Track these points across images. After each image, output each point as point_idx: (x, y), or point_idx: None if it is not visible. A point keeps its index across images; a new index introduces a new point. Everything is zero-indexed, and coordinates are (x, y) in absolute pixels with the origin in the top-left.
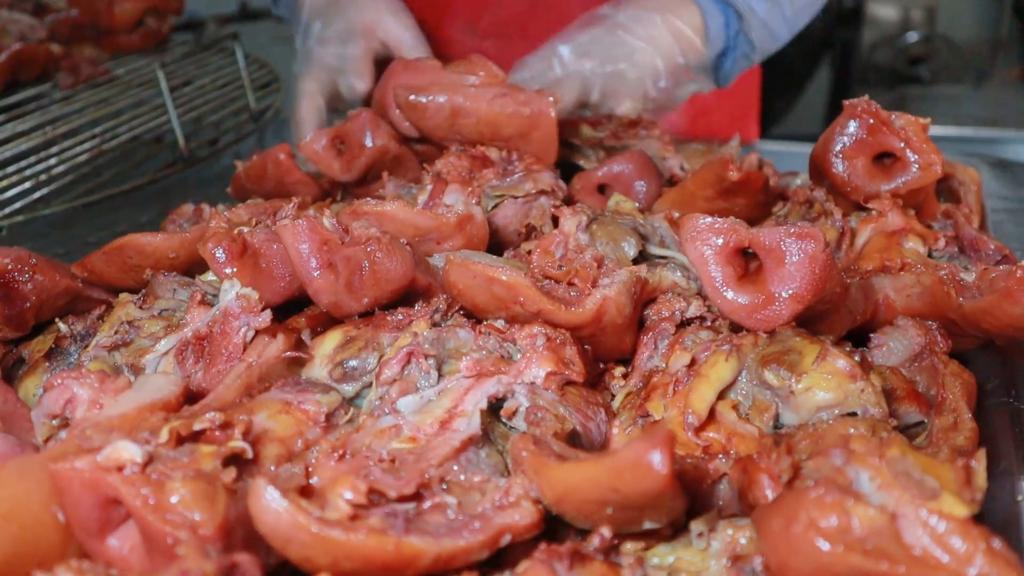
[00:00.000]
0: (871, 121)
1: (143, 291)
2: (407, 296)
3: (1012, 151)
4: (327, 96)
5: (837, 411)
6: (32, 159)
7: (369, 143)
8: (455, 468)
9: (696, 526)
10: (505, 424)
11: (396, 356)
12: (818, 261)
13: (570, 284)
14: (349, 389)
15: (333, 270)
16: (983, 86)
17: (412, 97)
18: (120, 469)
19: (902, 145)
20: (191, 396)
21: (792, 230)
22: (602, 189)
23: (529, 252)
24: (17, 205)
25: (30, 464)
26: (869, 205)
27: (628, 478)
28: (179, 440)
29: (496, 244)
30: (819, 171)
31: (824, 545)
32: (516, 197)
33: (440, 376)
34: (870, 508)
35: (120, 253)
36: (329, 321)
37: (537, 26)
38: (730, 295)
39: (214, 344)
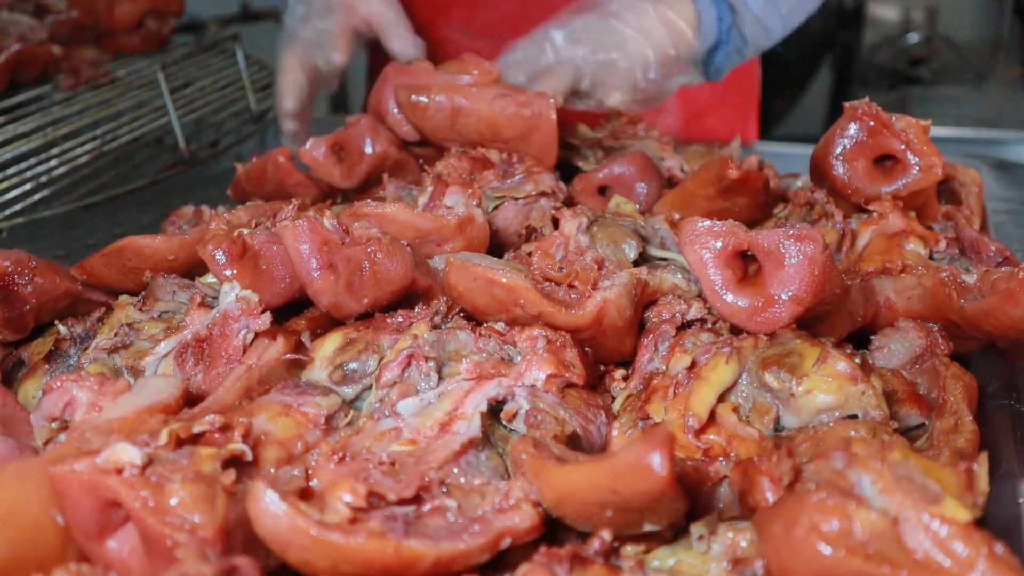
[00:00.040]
0: (871, 123)
1: (143, 293)
2: (407, 298)
3: (1013, 152)
4: (307, 71)
5: (838, 413)
6: (32, 161)
7: (369, 150)
8: (455, 471)
9: (696, 529)
10: (505, 427)
11: (396, 358)
12: (817, 263)
13: (570, 286)
14: (349, 391)
15: (333, 271)
16: (984, 87)
17: (413, 97)
18: (119, 472)
19: (903, 147)
20: (191, 398)
21: (791, 232)
22: (602, 191)
23: (529, 254)
24: (17, 207)
25: (29, 467)
26: (870, 207)
27: (628, 480)
28: (178, 442)
29: (496, 246)
30: (820, 173)
31: (825, 549)
32: (516, 199)
33: (440, 378)
34: (872, 512)
35: (119, 255)
36: (329, 323)
37: (529, 26)
38: (730, 298)
39: (214, 346)
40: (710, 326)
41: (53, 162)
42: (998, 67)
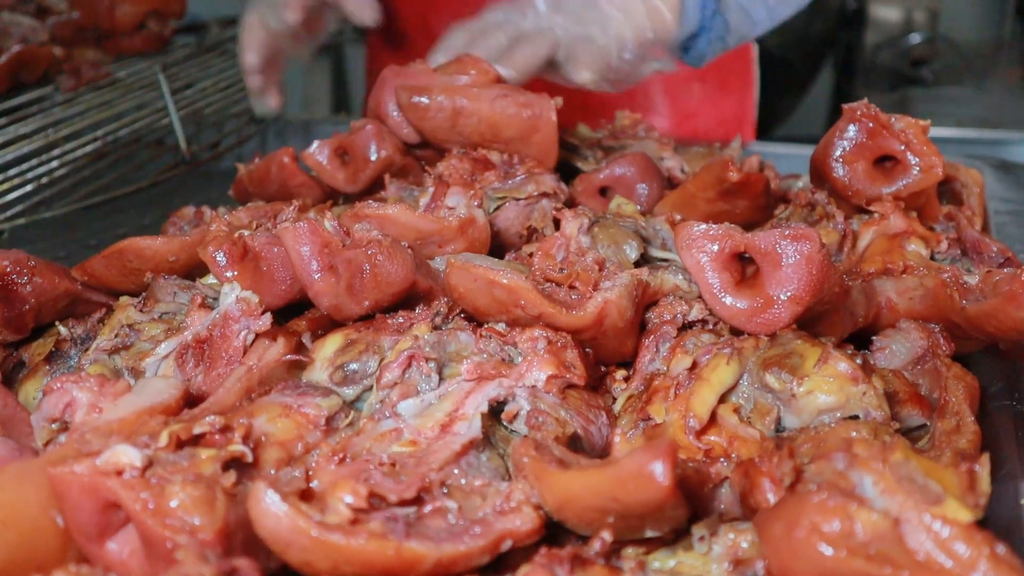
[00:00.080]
0: (870, 124)
1: (143, 294)
2: (408, 299)
3: (1015, 153)
4: (268, 30)
5: (839, 414)
6: (33, 162)
7: (374, 155)
8: (456, 472)
9: (698, 530)
10: (506, 427)
11: (397, 359)
12: (815, 262)
13: (571, 287)
14: (350, 392)
15: (334, 273)
16: (986, 88)
17: (414, 99)
18: (119, 473)
19: (902, 148)
20: (191, 400)
21: (787, 232)
22: (603, 191)
23: (531, 255)
24: (18, 208)
25: (29, 468)
26: (871, 208)
27: (630, 488)
28: (179, 444)
29: (497, 247)
30: (820, 175)
31: (827, 550)
32: (518, 199)
33: (441, 379)
34: (873, 513)
35: (120, 256)
36: (330, 324)
37: None
38: (728, 300)
39: (214, 347)
40: (711, 327)
41: (54, 163)
42: (1000, 68)
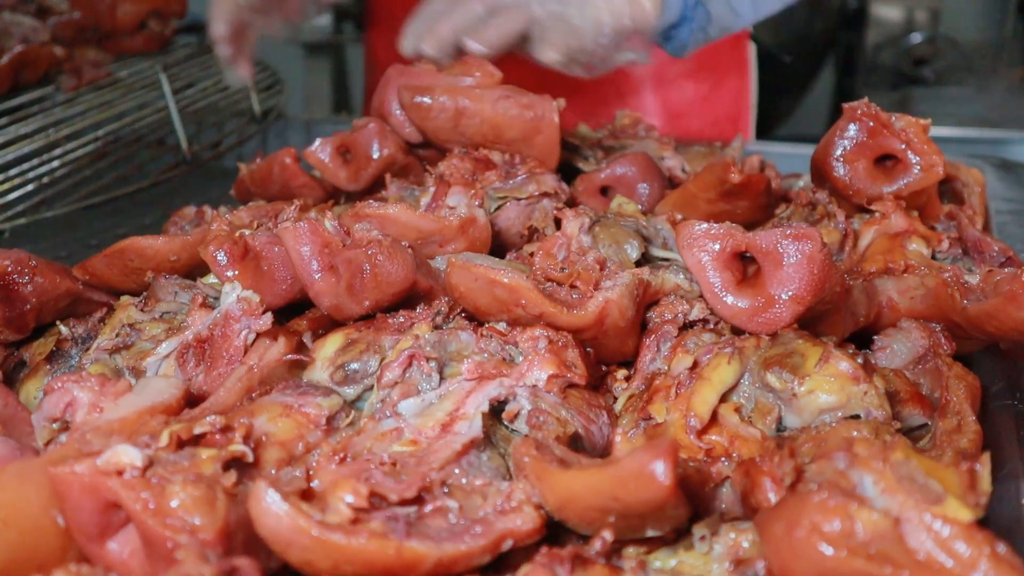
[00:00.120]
0: (871, 124)
1: (144, 294)
2: (409, 299)
3: (1016, 152)
4: (236, 2)
5: (840, 414)
6: (34, 161)
7: (376, 154)
8: (457, 471)
9: (698, 530)
10: (507, 427)
11: (397, 359)
12: (816, 261)
13: (572, 287)
14: (350, 392)
15: (334, 273)
16: (987, 87)
17: (417, 98)
18: (120, 473)
19: (903, 147)
20: (192, 399)
21: (788, 231)
22: (605, 191)
23: (532, 254)
24: (19, 207)
25: (30, 468)
26: (872, 207)
27: (631, 488)
28: (179, 444)
29: (498, 246)
30: (820, 175)
31: (827, 549)
32: (519, 199)
33: (442, 379)
34: (874, 512)
35: (121, 256)
36: (330, 324)
37: None
38: (730, 300)
39: (215, 347)
40: (712, 326)
41: (55, 163)
42: (1001, 67)
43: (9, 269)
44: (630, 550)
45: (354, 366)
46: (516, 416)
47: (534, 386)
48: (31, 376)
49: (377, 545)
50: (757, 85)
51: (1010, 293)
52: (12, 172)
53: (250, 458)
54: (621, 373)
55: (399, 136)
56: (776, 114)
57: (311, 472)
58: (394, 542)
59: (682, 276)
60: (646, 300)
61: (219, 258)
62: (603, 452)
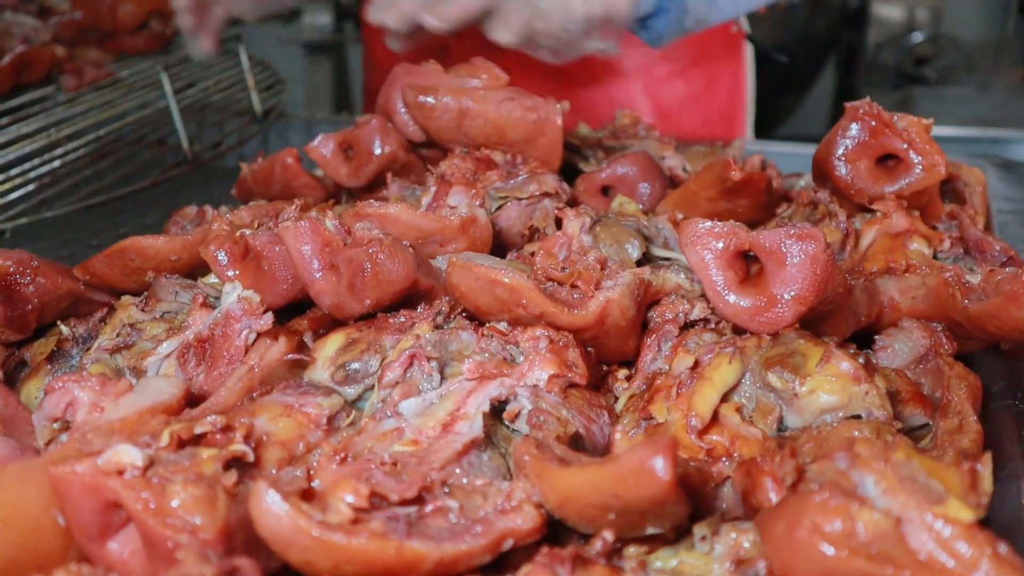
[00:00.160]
0: (873, 123)
1: (145, 293)
2: (409, 298)
3: (1018, 151)
4: None
5: (841, 413)
6: (36, 161)
7: (378, 150)
8: (457, 471)
9: (699, 530)
10: (508, 427)
11: (398, 359)
12: (819, 262)
13: (573, 286)
14: (351, 392)
15: (335, 272)
16: (989, 86)
17: (420, 98)
18: (121, 473)
19: (905, 146)
20: (193, 399)
21: (792, 231)
22: (606, 191)
23: (532, 254)
24: (21, 207)
25: (31, 468)
26: (873, 207)
27: (630, 484)
28: (180, 444)
29: (499, 246)
30: (822, 174)
31: (828, 550)
32: (520, 199)
33: (442, 379)
34: (875, 512)
35: (122, 256)
36: (331, 323)
37: None
38: (732, 299)
39: (216, 347)
40: (713, 326)
41: (56, 163)
42: (1003, 66)
43: (11, 269)
44: (631, 550)
45: (355, 366)
46: (517, 416)
47: (535, 386)
48: (32, 376)
49: (377, 545)
50: (754, 85)
51: (1011, 293)
52: (13, 172)
53: (251, 458)
54: (622, 373)
55: (402, 134)
56: (777, 113)
57: (312, 472)
58: (394, 542)
59: (683, 276)
60: (647, 300)
61: (220, 258)
62: (604, 452)
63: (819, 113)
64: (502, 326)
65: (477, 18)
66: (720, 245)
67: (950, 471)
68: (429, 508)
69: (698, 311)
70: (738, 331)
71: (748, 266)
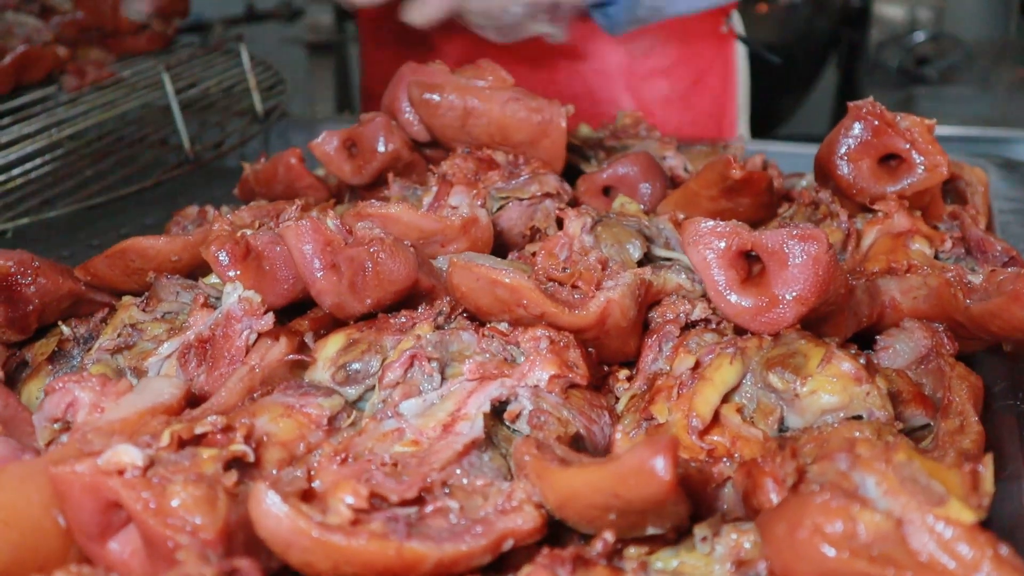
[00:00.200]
0: (876, 123)
1: (146, 294)
2: (410, 299)
3: (1020, 151)
4: None
5: (842, 414)
6: (37, 161)
7: (382, 148)
8: (458, 472)
9: (700, 530)
10: (508, 427)
11: (399, 359)
12: (821, 262)
13: (574, 287)
14: (352, 392)
15: (336, 271)
16: (991, 86)
17: (426, 95)
18: (121, 473)
19: (907, 146)
20: (194, 399)
21: (794, 232)
22: (607, 191)
23: (533, 254)
24: (22, 207)
25: (31, 468)
26: (875, 207)
27: (631, 484)
28: (180, 444)
29: (501, 246)
30: (824, 173)
31: (829, 551)
32: (521, 199)
33: (443, 379)
34: (876, 514)
35: (123, 256)
36: (332, 324)
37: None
38: (734, 298)
39: (216, 347)
40: (714, 326)
41: (58, 163)
42: (1005, 66)
43: (12, 270)
44: (631, 551)
45: (356, 366)
46: (518, 416)
47: (536, 386)
48: (33, 376)
49: (377, 546)
50: (748, 85)
51: (1013, 292)
52: (15, 172)
53: (251, 458)
54: (623, 373)
55: (406, 133)
56: (778, 113)
57: (312, 473)
58: (394, 543)
59: (684, 276)
60: (648, 300)
61: (221, 258)
62: (605, 452)
63: (821, 113)
64: (503, 326)
65: None
66: (722, 245)
67: (951, 472)
68: (429, 509)
69: (699, 311)
70: (739, 331)
71: (750, 266)
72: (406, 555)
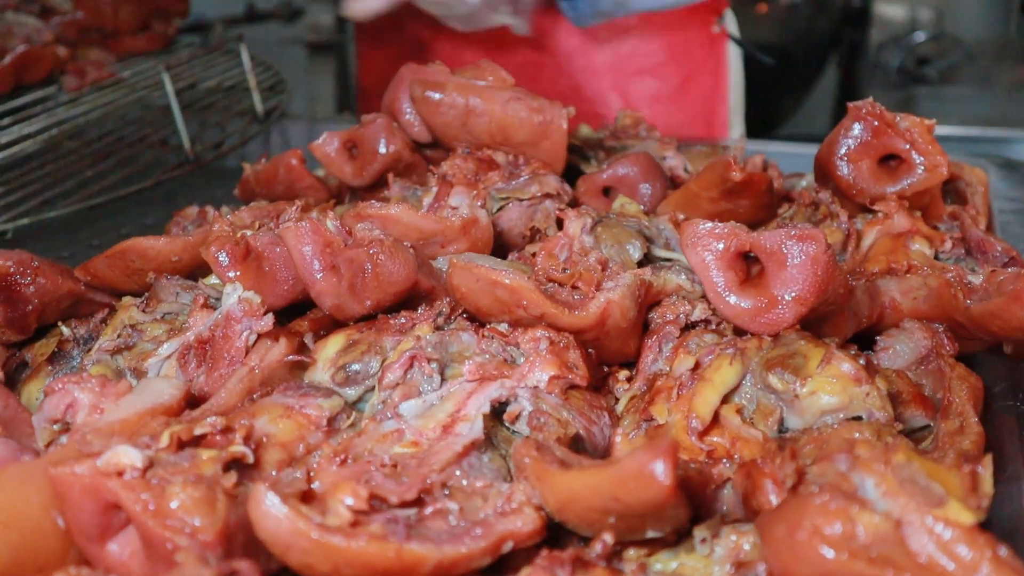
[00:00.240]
0: (875, 123)
1: (146, 294)
2: (410, 299)
3: (1020, 151)
4: None
5: (842, 415)
6: (37, 162)
7: (383, 149)
8: (457, 473)
9: (699, 532)
10: (508, 428)
11: (399, 360)
12: (820, 263)
13: (574, 287)
14: (351, 393)
15: (336, 272)
16: (991, 86)
17: (428, 93)
18: (120, 474)
19: (907, 147)
20: (193, 400)
21: (793, 232)
22: (607, 192)
23: (533, 255)
24: (22, 208)
25: (30, 469)
26: (875, 207)
27: (631, 488)
28: (180, 445)
29: (501, 247)
30: (824, 174)
31: (828, 552)
32: (521, 200)
33: (443, 380)
34: (875, 515)
35: (123, 257)
36: (332, 325)
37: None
38: (733, 300)
39: (216, 348)
40: (714, 327)
41: (58, 163)
42: (1005, 66)
43: (11, 270)
44: (631, 552)
45: (355, 367)
46: (517, 417)
47: (535, 387)
48: (33, 377)
49: (377, 547)
50: (742, 86)
51: (1013, 293)
52: (15, 172)
53: (250, 459)
54: (623, 374)
55: (407, 134)
56: (778, 113)
57: (312, 474)
58: (394, 544)
59: (684, 277)
60: (648, 301)
61: (221, 259)
62: (604, 453)
63: (821, 113)
64: (503, 327)
65: None
66: (720, 246)
67: (951, 473)
68: (429, 510)
69: (699, 312)
70: (739, 332)
71: (749, 267)
72: (405, 557)
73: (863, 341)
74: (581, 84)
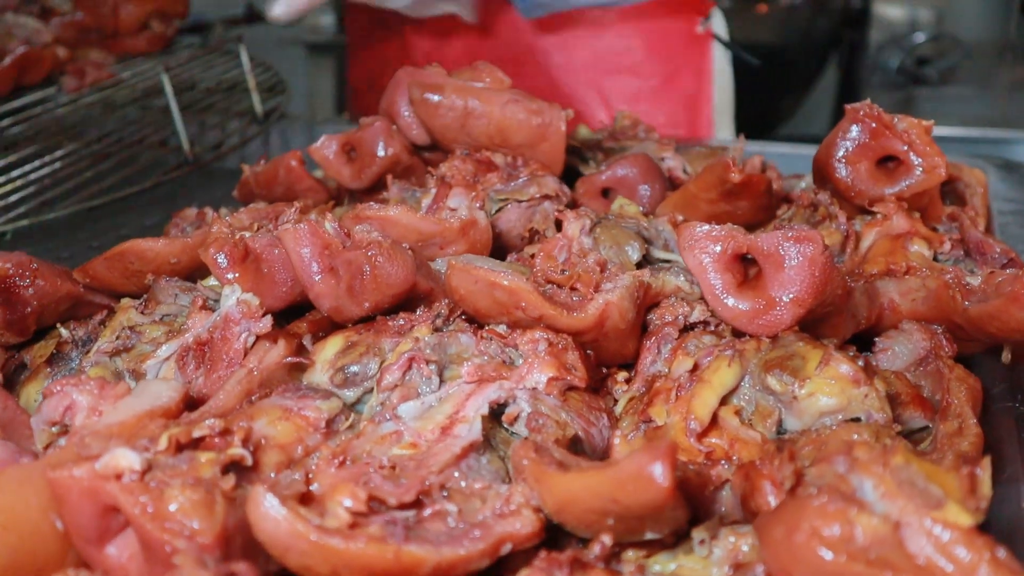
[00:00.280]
0: (873, 125)
1: (145, 296)
2: (409, 301)
3: (1019, 152)
4: None
5: (840, 416)
6: (37, 163)
7: (381, 152)
8: (456, 475)
9: (698, 533)
10: (507, 430)
11: (397, 361)
12: (818, 264)
13: (573, 289)
14: (350, 395)
15: (334, 274)
16: (991, 86)
17: (426, 95)
18: (119, 477)
19: (905, 148)
20: (192, 402)
21: (790, 234)
22: (606, 193)
23: (532, 256)
24: (22, 209)
25: (29, 472)
26: (874, 208)
27: (629, 490)
28: (178, 447)
29: (499, 248)
30: (822, 176)
31: (827, 554)
32: (520, 201)
33: (441, 382)
34: (873, 517)
35: (122, 258)
36: (330, 326)
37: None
38: (731, 302)
39: (215, 350)
40: (713, 328)
41: (57, 164)
42: (1005, 67)
43: (10, 272)
44: (629, 554)
45: (354, 369)
46: (516, 419)
47: (534, 389)
48: (31, 379)
49: (375, 549)
50: (731, 87)
51: (1012, 294)
52: (14, 173)
53: (249, 461)
54: (621, 375)
55: (405, 136)
56: (778, 114)
57: (310, 476)
58: (392, 546)
59: (683, 278)
60: (647, 302)
61: (219, 260)
62: (603, 455)
63: (820, 113)
64: (501, 329)
65: None
66: (718, 248)
67: (949, 475)
68: (427, 512)
69: (698, 313)
70: (737, 334)
71: (746, 269)
72: (404, 558)
73: (862, 342)
74: (559, 82)
